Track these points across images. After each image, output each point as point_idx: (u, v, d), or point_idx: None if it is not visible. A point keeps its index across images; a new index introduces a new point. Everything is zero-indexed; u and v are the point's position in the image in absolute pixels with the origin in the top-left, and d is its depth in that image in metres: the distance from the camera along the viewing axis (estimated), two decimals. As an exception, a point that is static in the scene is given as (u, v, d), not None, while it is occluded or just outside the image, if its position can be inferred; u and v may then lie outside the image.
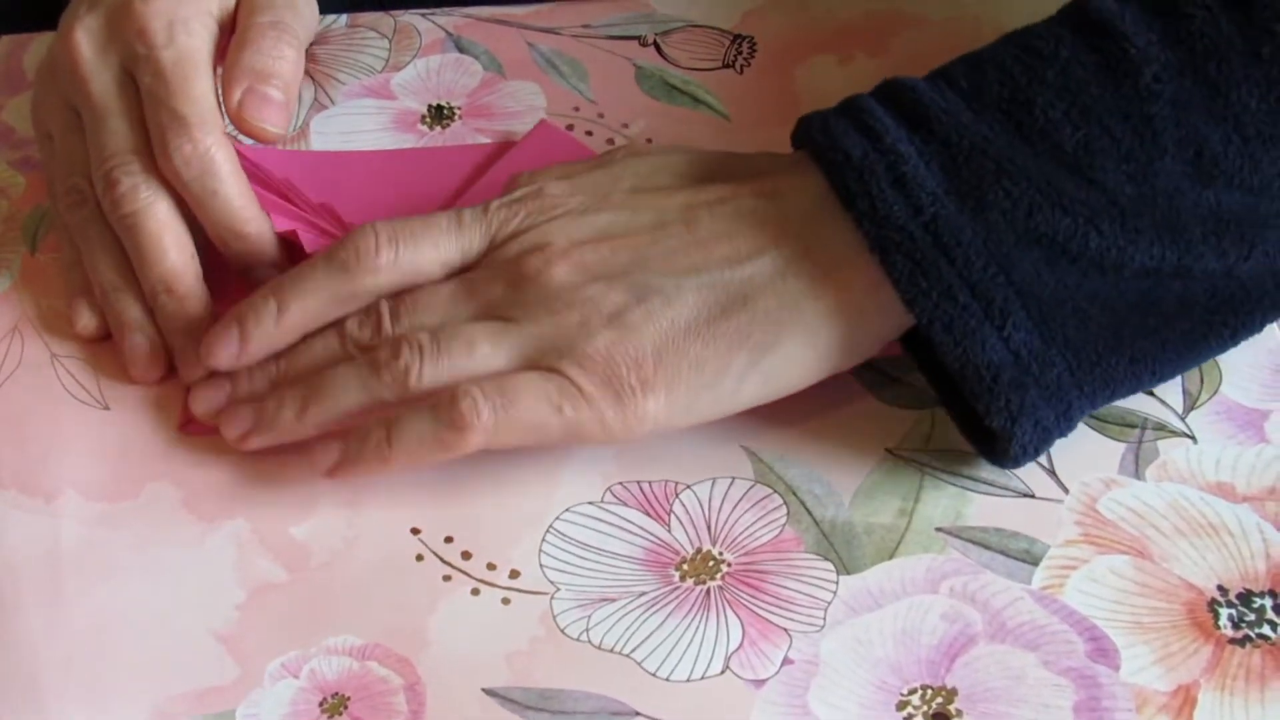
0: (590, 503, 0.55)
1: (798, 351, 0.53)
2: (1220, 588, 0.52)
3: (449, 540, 0.54)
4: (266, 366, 0.57)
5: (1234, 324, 0.53)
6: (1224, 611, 0.51)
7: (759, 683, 0.50)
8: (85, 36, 0.61)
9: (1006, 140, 0.51)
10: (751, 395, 0.53)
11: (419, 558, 0.54)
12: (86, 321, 0.61)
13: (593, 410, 0.52)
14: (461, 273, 0.56)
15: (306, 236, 0.60)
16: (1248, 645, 0.50)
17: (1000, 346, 0.51)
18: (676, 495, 0.55)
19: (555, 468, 0.56)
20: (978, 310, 0.51)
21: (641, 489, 0.55)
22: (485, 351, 0.53)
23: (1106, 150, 0.51)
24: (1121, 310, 0.52)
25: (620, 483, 0.56)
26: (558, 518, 0.55)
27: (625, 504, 0.55)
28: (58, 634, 0.53)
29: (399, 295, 0.55)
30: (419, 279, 0.55)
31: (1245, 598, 0.51)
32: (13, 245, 0.66)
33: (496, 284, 0.54)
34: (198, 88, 0.59)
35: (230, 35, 0.62)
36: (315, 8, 0.65)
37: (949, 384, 0.54)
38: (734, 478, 0.55)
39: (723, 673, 0.50)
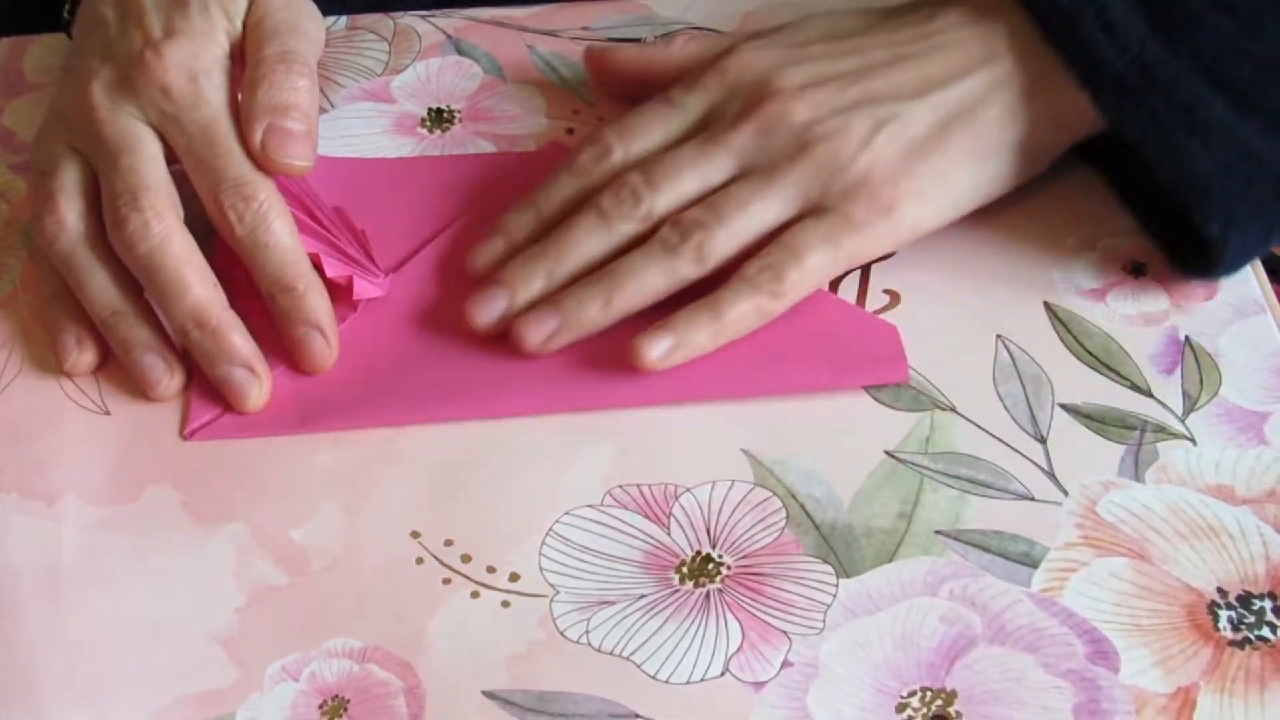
0: (590, 505, 0.55)
1: (1015, 155, 0.59)
2: (1220, 590, 0.52)
3: (449, 543, 0.54)
4: (536, 271, 0.59)
5: None
6: (1223, 614, 0.51)
7: (758, 685, 0.50)
8: (100, 89, 0.61)
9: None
10: (982, 196, 0.59)
11: (419, 561, 0.54)
12: (76, 358, 0.60)
13: (866, 233, 0.58)
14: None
15: (329, 262, 0.60)
16: (1247, 647, 0.50)
17: (1207, 158, 0.56)
18: (676, 498, 0.55)
19: (555, 470, 0.56)
20: (1184, 127, 0.56)
21: (641, 492, 0.55)
22: (759, 208, 0.58)
23: (1273, 14, 0.58)
24: None
25: (620, 485, 0.56)
26: (557, 521, 0.55)
27: (625, 507, 0.55)
28: (58, 637, 0.53)
29: (645, 166, 0.59)
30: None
31: (1245, 600, 0.51)
32: (13, 250, 0.66)
33: (741, 135, 0.58)
34: (237, 145, 0.60)
35: (241, 67, 0.62)
36: (321, 24, 0.64)
37: (1151, 207, 0.60)
38: (734, 480, 0.55)
39: (722, 675, 0.50)
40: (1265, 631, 0.50)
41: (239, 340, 0.59)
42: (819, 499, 0.55)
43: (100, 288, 0.60)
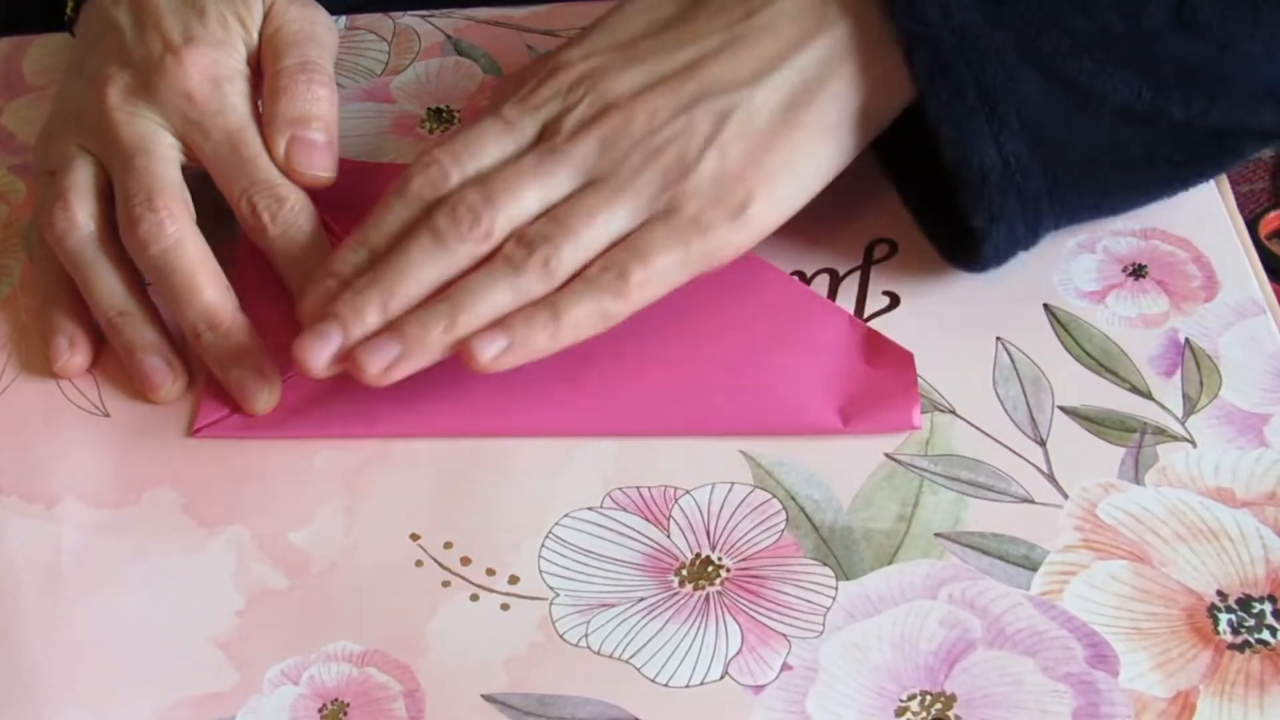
0: (589, 508, 0.55)
1: (857, 127, 0.57)
2: (1220, 593, 0.52)
3: (448, 546, 0.54)
4: (369, 301, 0.55)
5: (1185, 175, 0.60)
6: (1223, 617, 0.51)
7: (758, 688, 0.50)
8: (118, 93, 0.61)
9: None
10: (828, 177, 0.58)
11: (418, 563, 0.54)
12: (68, 360, 0.61)
13: (717, 236, 0.55)
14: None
15: None
16: (1247, 651, 0.50)
17: (994, 151, 0.55)
18: (676, 500, 0.55)
19: (554, 472, 0.56)
20: (982, 113, 0.55)
21: (641, 494, 0.55)
22: (605, 218, 0.55)
23: None
24: (1098, 147, 0.57)
25: (619, 488, 0.56)
26: (557, 523, 0.55)
27: (624, 509, 0.55)
28: (58, 640, 0.53)
29: (483, 183, 0.56)
30: None
31: (1245, 603, 0.51)
32: (12, 251, 0.66)
33: (582, 148, 0.56)
34: (264, 150, 0.60)
35: (258, 77, 0.62)
36: (334, 32, 0.64)
37: (921, 191, 0.60)
38: (733, 483, 0.55)
39: (722, 678, 0.50)
40: (1265, 635, 0.50)
41: (251, 343, 0.59)
42: (818, 501, 0.55)
43: (108, 287, 0.60)
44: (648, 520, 0.55)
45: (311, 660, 0.52)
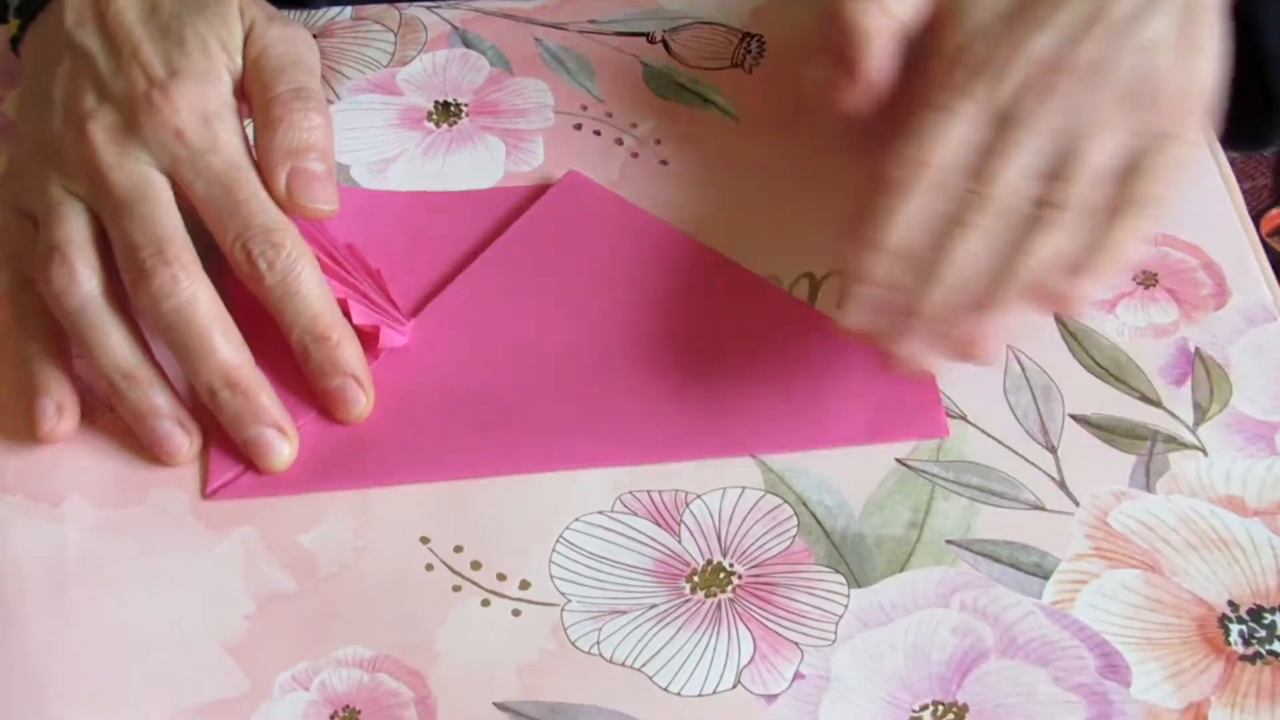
0: (600, 512, 0.55)
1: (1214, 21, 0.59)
2: (1231, 603, 0.52)
3: (459, 549, 0.54)
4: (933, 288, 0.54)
5: None
6: (1234, 628, 0.51)
7: (770, 698, 0.50)
8: (102, 132, 0.58)
9: None
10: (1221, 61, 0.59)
11: (429, 567, 0.54)
12: (55, 425, 0.58)
13: (1194, 140, 0.58)
14: None
15: (356, 309, 0.59)
16: (1258, 662, 0.50)
17: None
18: (687, 505, 0.55)
19: (565, 476, 0.56)
20: None
21: (651, 498, 0.55)
22: (1104, 159, 0.56)
23: None
24: None
25: (630, 492, 0.55)
26: (568, 527, 0.55)
27: (635, 513, 0.55)
28: (65, 643, 0.53)
29: (989, 181, 0.56)
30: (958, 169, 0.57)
31: (1256, 614, 0.51)
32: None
33: (1049, 116, 0.56)
34: (261, 190, 0.58)
35: (246, 105, 0.60)
36: (316, 50, 0.62)
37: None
38: (744, 487, 0.55)
39: (734, 687, 0.50)
40: (1276, 646, 0.51)
41: (269, 401, 0.57)
42: (830, 507, 0.55)
43: (113, 347, 0.57)
44: (659, 525, 0.54)
45: (322, 666, 0.51)
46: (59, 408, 0.58)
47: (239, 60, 0.60)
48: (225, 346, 0.57)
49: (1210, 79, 0.58)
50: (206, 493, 0.56)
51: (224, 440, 0.57)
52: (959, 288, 0.54)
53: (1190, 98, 0.58)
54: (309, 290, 0.57)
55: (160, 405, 0.57)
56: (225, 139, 0.58)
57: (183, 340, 0.56)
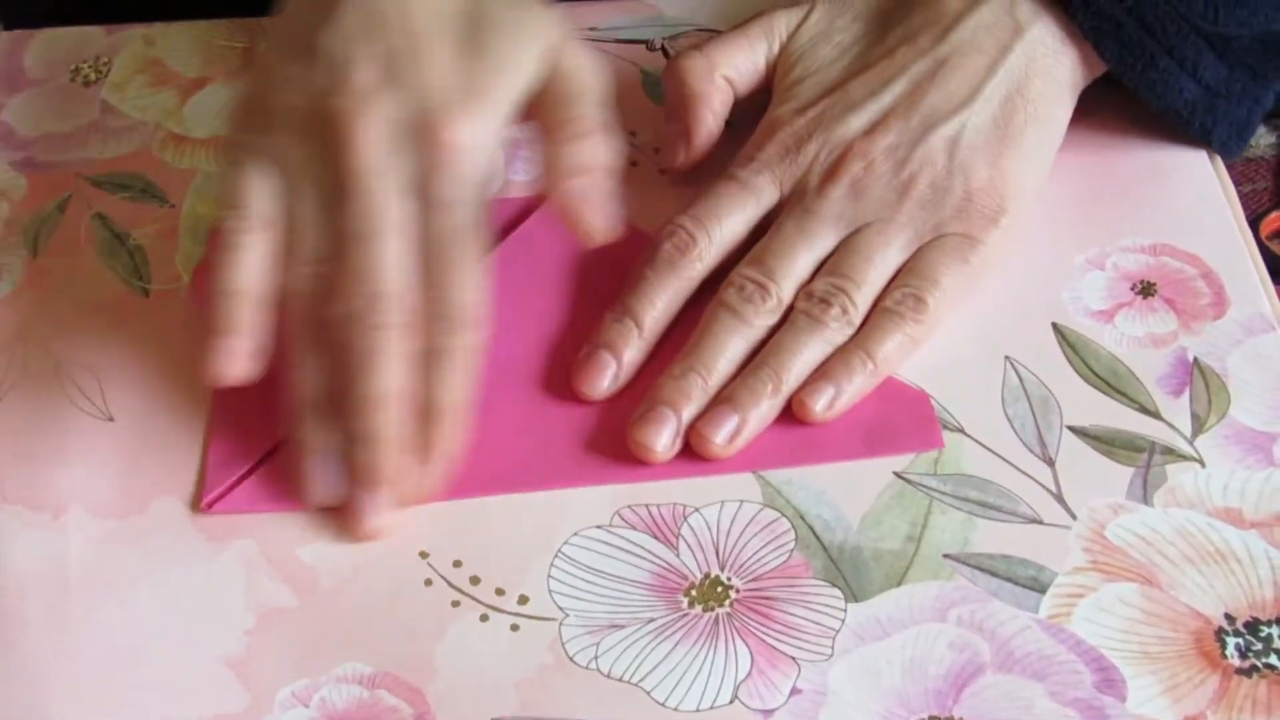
0: (599, 526, 0.55)
1: (1066, 104, 0.62)
2: (1227, 616, 0.52)
3: (458, 564, 0.54)
4: (693, 384, 0.57)
5: None
6: (1231, 640, 0.51)
7: (767, 713, 0.50)
8: (380, 130, 0.54)
9: None
10: (1054, 153, 0.62)
11: (428, 582, 0.54)
12: (232, 367, 0.54)
13: (987, 245, 0.59)
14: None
15: None
16: (1254, 675, 0.50)
17: (1194, 87, 0.62)
18: (685, 518, 0.55)
19: (564, 491, 0.56)
20: (1174, 68, 0.61)
21: (650, 512, 0.55)
22: (881, 259, 0.58)
23: None
24: None
25: (629, 506, 0.55)
26: (566, 542, 0.55)
27: (634, 527, 0.55)
28: (66, 655, 0.53)
29: (755, 261, 0.59)
30: (735, 244, 0.60)
31: (1252, 626, 0.51)
32: (14, 249, 0.66)
33: (834, 202, 0.59)
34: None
35: None
36: None
37: None
38: (742, 501, 0.55)
39: (731, 702, 0.51)
40: (1273, 659, 0.51)
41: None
42: (828, 520, 0.55)
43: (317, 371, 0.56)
44: (657, 539, 0.55)
45: (322, 683, 0.52)
46: (248, 353, 0.54)
47: None
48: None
49: (1023, 179, 0.60)
50: (203, 505, 0.57)
51: (221, 453, 0.57)
52: (713, 378, 0.57)
53: (991, 199, 0.59)
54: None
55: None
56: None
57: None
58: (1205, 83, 0.62)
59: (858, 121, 0.60)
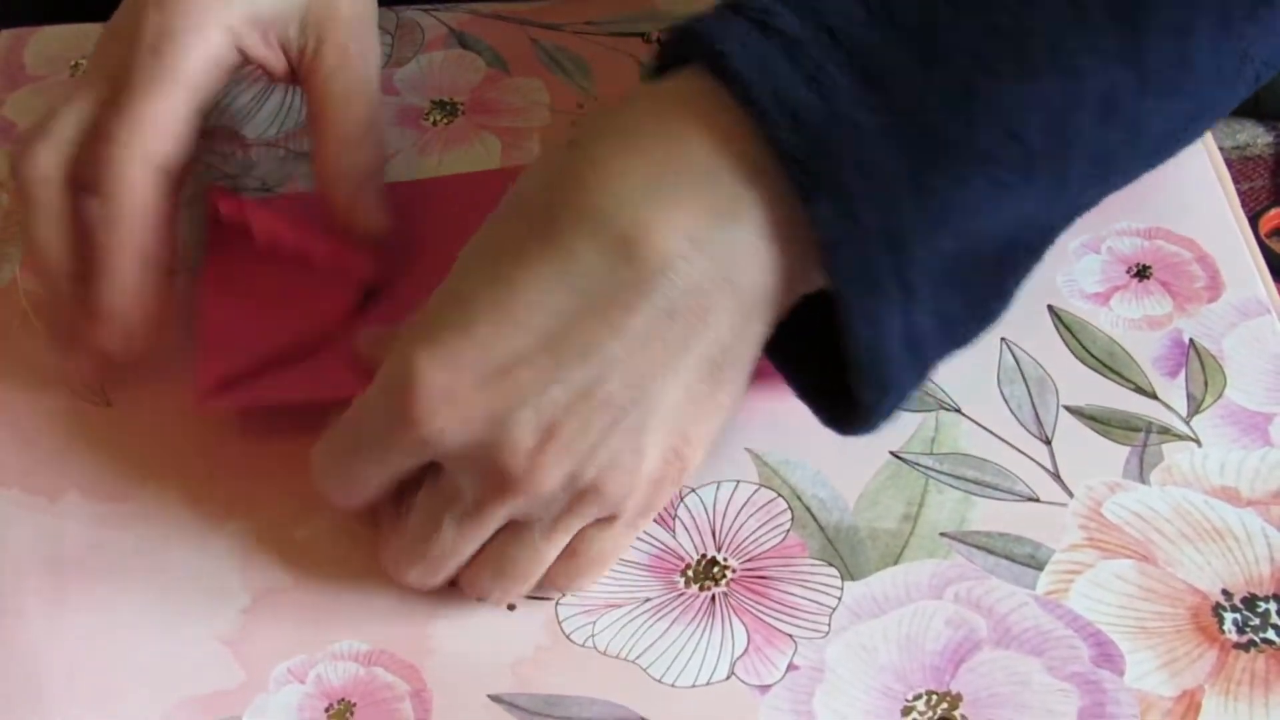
0: (595, 506, 0.55)
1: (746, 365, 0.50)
2: (1225, 592, 0.52)
3: (454, 544, 0.54)
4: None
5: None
6: (1228, 616, 0.51)
7: (764, 689, 0.50)
8: None
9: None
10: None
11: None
12: None
13: (660, 503, 0.51)
14: None
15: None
16: (1252, 650, 0.50)
17: (899, 332, 0.47)
18: (681, 499, 0.55)
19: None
20: (898, 298, 0.46)
21: (646, 492, 0.55)
22: (552, 553, 0.51)
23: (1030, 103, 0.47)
24: (984, 263, 0.48)
25: (625, 486, 0.55)
26: (562, 522, 0.55)
27: (630, 508, 0.55)
28: (61, 637, 0.53)
29: (421, 560, 0.52)
30: None
31: (1250, 602, 0.51)
32: (13, 239, 0.66)
33: (499, 512, 0.49)
34: None
35: None
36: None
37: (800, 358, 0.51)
38: (738, 481, 0.55)
39: (728, 679, 0.50)
40: (1270, 634, 0.51)
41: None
42: (824, 500, 0.55)
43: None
44: (653, 520, 0.55)
45: (318, 659, 0.52)
46: None
47: None
48: None
49: (708, 436, 0.50)
50: (198, 400, 0.57)
51: (213, 338, 0.58)
52: None
53: (676, 477, 0.50)
54: None
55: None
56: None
57: None
58: (913, 330, 0.47)
59: (526, 424, 0.47)
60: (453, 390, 0.46)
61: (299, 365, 0.58)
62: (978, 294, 0.49)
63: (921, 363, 0.49)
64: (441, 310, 0.47)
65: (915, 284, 0.46)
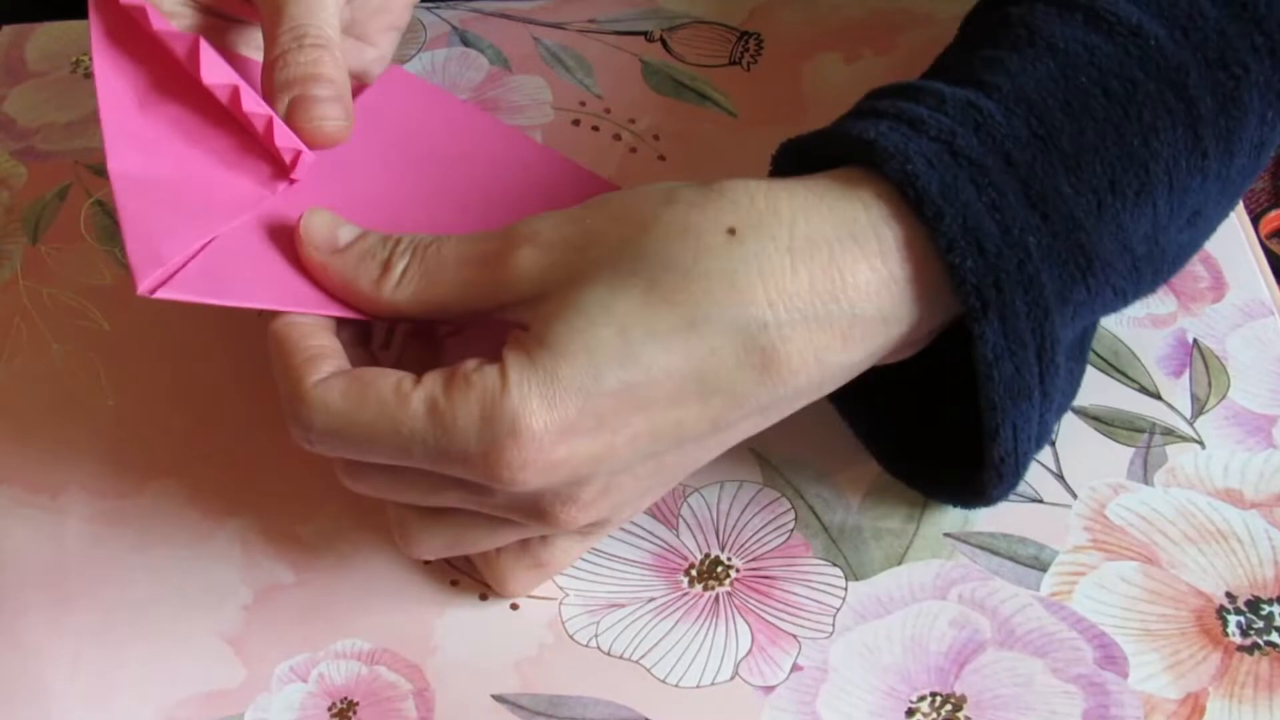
0: (598, 506, 0.55)
1: None
2: (1229, 594, 0.52)
3: (457, 543, 0.54)
4: None
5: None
6: (1232, 619, 0.51)
7: (768, 689, 0.50)
8: None
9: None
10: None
11: (426, 560, 0.54)
12: None
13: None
14: None
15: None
16: (1256, 653, 0.50)
17: (1035, 428, 0.50)
18: (684, 499, 0.55)
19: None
20: (1037, 394, 0.49)
21: (649, 492, 0.55)
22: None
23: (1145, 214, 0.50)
24: (1073, 348, 0.53)
25: (628, 485, 0.55)
26: (566, 521, 0.55)
27: (633, 507, 0.55)
28: (62, 634, 0.53)
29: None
30: None
31: (1254, 605, 0.51)
32: (14, 236, 0.66)
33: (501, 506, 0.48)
34: None
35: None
36: None
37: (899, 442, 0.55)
38: (742, 481, 0.55)
39: (732, 679, 0.50)
40: (1274, 637, 0.51)
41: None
42: (828, 499, 0.55)
43: None
44: (656, 519, 0.54)
45: (320, 658, 0.51)
46: None
47: None
48: None
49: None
50: (141, 290, 0.48)
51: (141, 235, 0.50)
52: None
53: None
54: None
55: None
56: None
57: None
58: (1047, 424, 0.51)
59: (604, 502, 0.48)
60: (555, 462, 0.45)
61: (251, 266, 0.50)
62: (1077, 379, 0.54)
63: (1039, 449, 0.52)
64: (564, 366, 0.45)
65: (1051, 390, 0.49)
